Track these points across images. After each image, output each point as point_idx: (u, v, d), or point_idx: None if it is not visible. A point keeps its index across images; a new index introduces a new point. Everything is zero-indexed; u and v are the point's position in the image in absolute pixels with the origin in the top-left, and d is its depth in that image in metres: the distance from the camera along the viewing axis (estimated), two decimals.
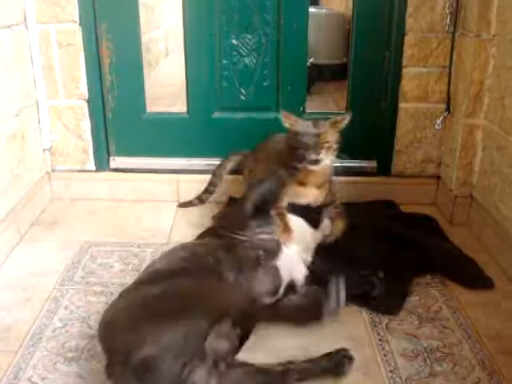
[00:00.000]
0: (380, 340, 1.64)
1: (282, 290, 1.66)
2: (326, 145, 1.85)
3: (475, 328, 1.67)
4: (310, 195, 1.96)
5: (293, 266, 1.73)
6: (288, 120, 1.92)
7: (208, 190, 2.36)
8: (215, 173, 2.35)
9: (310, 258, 1.85)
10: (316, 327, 1.65)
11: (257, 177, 2.10)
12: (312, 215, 1.93)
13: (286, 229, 1.83)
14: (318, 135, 1.85)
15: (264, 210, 1.82)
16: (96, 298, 1.81)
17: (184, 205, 2.40)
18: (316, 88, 3.73)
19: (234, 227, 1.77)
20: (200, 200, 2.37)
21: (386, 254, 1.95)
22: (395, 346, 1.61)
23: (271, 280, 1.64)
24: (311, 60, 3.48)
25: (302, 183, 1.95)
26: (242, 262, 1.62)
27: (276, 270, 1.67)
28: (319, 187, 1.97)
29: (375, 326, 1.70)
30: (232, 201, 2.34)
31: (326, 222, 1.94)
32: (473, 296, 1.82)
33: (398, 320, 1.72)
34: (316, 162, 1.85)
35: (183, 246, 1.74)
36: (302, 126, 1.89)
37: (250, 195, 1.85)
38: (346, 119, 1.90)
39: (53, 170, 2.48)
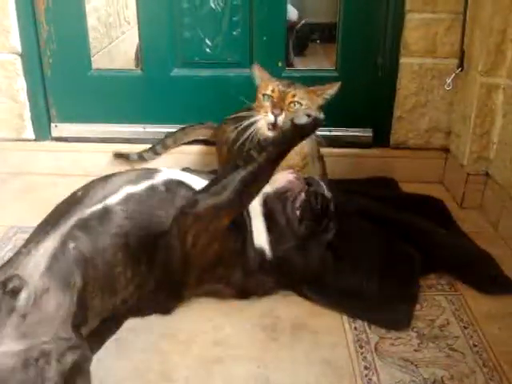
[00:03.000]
0: (366, 368, 1.26)
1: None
2: (292, 106, 1.55)
3: (492, 351, 1.31)
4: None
5: None
6: (260, 75, 1.66)
7: (154, 150, 2.05)
8: (173, 134, 2.05)
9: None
10: (279, 344, 1.31)
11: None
12: None
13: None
14: (284, 93, 1.56)
15: None
16: None
17: (120, 156, 2.07)
18: (309, 49, 3.32)
19: None
20: (140, 157, 2.05)
21: (384, 246, 1.61)
22: (386, 376, 1.24)
23: None
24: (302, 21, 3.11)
25: None
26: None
27: None
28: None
29: (361, 347, 1.32)
30: None
31: None
32: (489, 304, 1.46)
33: (392, 338, 1.35)
34: (274, 126, 1.55)
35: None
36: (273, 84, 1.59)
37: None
38: (332, 88, 1.63)
39: None
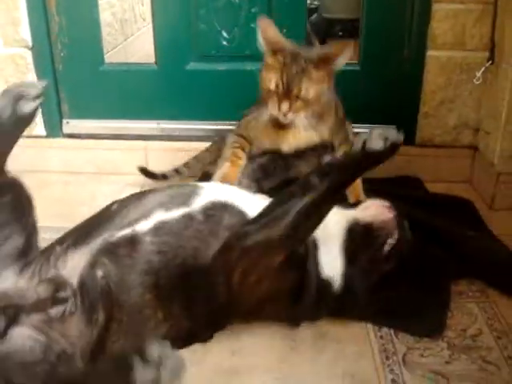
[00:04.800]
0: (393, 381, 1.17)
1: None
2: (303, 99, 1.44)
3: None
4: (296, 141, 1.53)
5: None
6: (267, 31, 1.49)
7: (178, 171, 1.89)
8: (198, 157, 1.91)
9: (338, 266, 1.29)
10: (300, 354, 1.23)
11: None
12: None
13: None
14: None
15: None
16: None
17: (147, 174, 1.92)
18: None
19: None
20: (164, 177, 1.90)
21: (413, 249, 1.47)
22: None
23: None
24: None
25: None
26: None
27: None
28: (314, 126, 1.51)
29: (388, 359, 1.22)
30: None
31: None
32: None
33: (421, 349, 1.26)
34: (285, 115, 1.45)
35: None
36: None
37: None
38: (344, 53, 1.46)
39: None
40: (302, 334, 1.28)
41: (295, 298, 1.23)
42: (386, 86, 1.93)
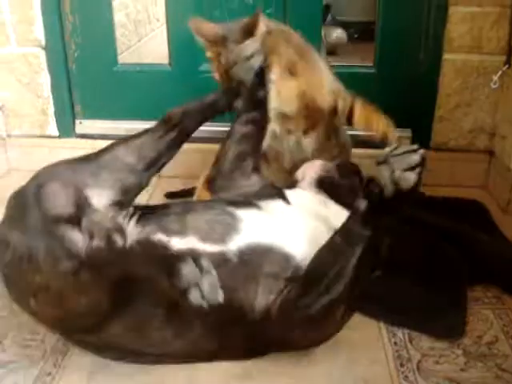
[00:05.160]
0: None
1: None
2: None
3: None
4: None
5: None
6: (200, 29, 1.49)
7: None
8: None
9: None
10: (313, 359, 1.21)
11: None
12: None
13: None
14: None
15: None
16: None
17: (175, 195, 1.90)
18: (342, 49, 3.19)
19: None
20: (189, 193, 1.86)
21: (427, 251, 1.50)
22: None
23: None
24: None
25: None
26: None
27: None
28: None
29: (402, 366, 1.20)
30: None
31: None
32: None
33: (436, 356, 1.24)
34: None
35: None
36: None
37: None
38: (260, 20, 1.43)
39: (8, 135, 2.11)
40: None
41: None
42: (401, 89, 1.91)
